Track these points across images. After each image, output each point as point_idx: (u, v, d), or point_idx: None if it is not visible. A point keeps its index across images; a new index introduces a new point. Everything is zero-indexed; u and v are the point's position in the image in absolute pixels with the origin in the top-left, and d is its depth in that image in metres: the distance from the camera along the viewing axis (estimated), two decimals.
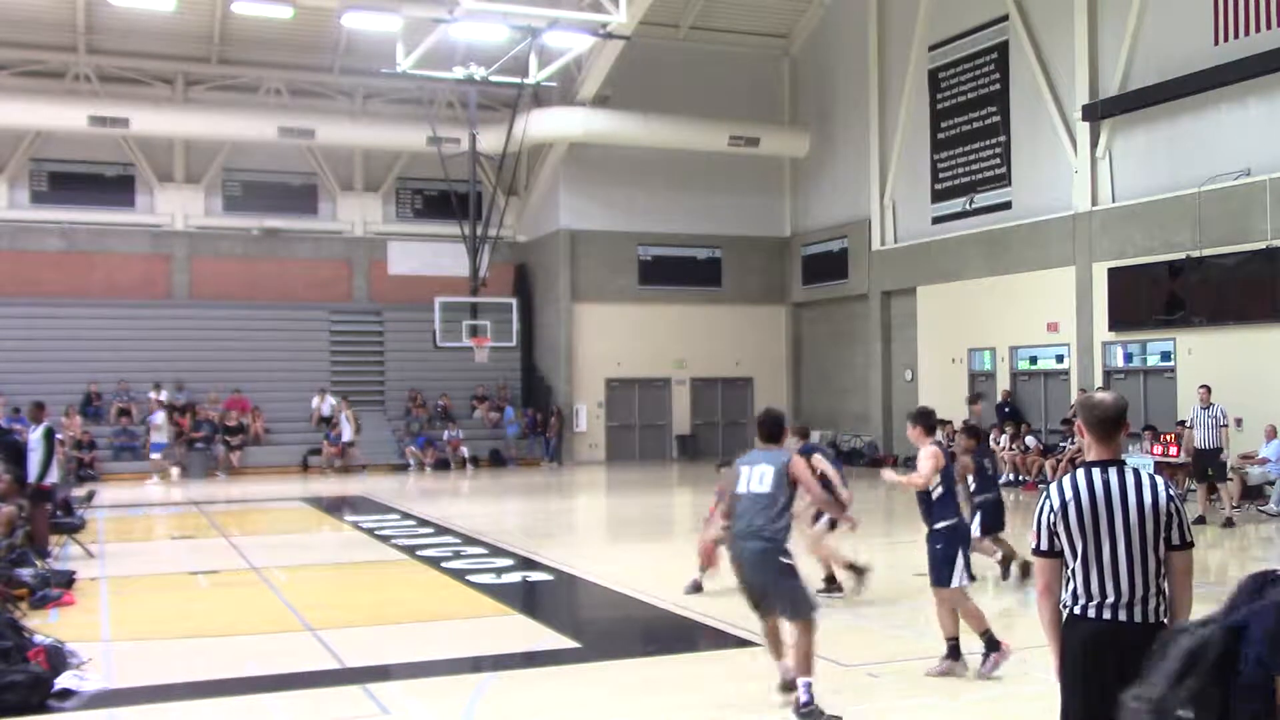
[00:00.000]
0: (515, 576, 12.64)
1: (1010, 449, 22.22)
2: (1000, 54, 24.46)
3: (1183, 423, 19.24)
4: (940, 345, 26.12)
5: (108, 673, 8.23)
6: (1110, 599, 4.26)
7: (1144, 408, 20.84)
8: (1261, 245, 18.61)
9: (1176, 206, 20.21)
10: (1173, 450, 18.87)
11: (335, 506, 20.81)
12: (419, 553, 14.31)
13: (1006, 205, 24.33)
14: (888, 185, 27.86)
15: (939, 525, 8.17)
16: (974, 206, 25.17)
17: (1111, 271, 21.41)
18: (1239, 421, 18.93)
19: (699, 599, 10.77)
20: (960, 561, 8.05)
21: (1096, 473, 4.36)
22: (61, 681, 7.70)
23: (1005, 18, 24.18)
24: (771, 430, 7.45)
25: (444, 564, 13.39)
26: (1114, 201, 21.75)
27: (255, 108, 29.38)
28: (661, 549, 15.48)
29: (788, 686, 7.14)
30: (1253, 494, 17.67)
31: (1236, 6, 19.41)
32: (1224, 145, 19.67)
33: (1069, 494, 4.35)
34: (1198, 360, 19.89)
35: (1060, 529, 4.35)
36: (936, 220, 26.30)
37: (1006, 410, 23.33)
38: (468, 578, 12.39)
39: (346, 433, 27.15)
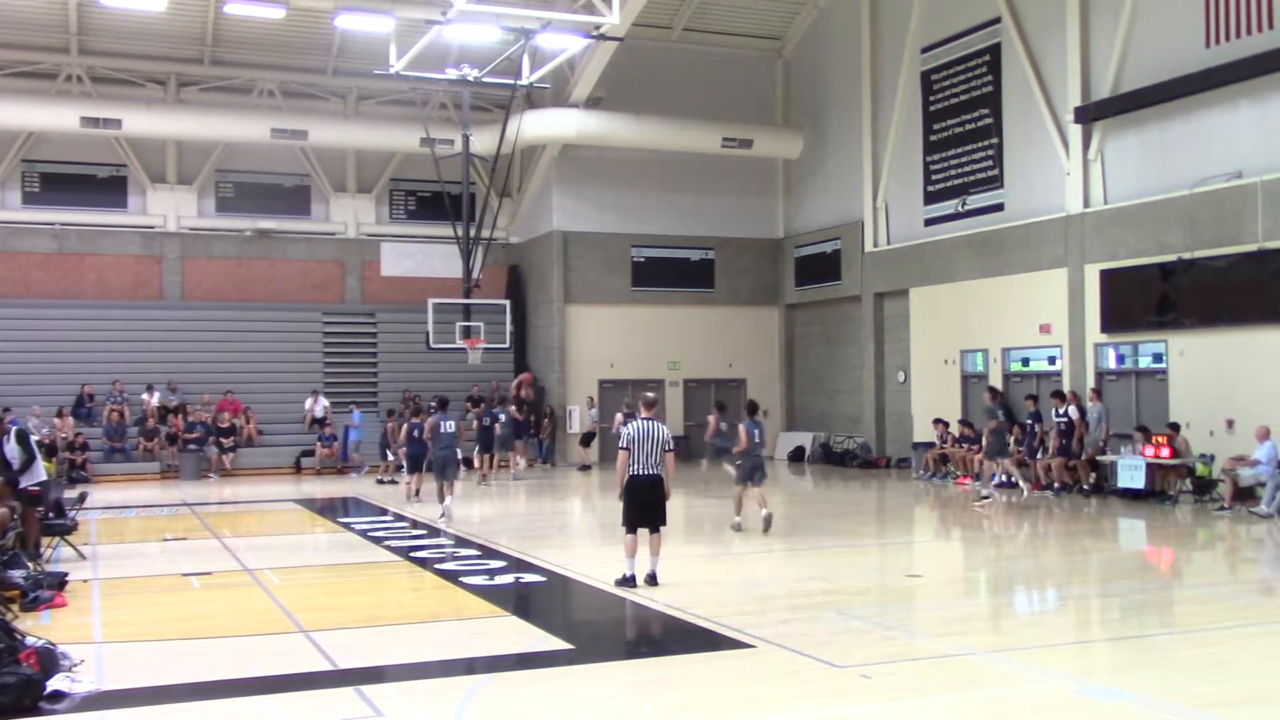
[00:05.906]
0: (508, 578, 12.65)
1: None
2: (993, 56, 24.52)
3: (1175, 425, 19.32)
4: (933, 347, 26.17)
5: (100, 675, 8.22)
6: None
7: (1135, 409, 20.90)
8: (1253, 247, 18.65)
9: (1168, 209, 20.26)
10: (1165, 452, 18.92)
11: (328, 508, 20.80)
12: (412, 554, 14.33)
13: (999, 207, 24.38)
14: (880, 187, 27.91)
15: None
16: (966, 208, 25.23)
17: (1104, 273, 21.46)
18: (1230, 423, 19.01)
19: (697, 599, 10.78)
20: None
21: None
22: (53, 683, 7.68)
23: (998, 20, 24.24)
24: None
25: (437, 566, 13.40)
26: (1106, 203, 21.80)
27: (248, 109, 29.40)
28: None
29: None
30: (1244, 495, 17.71)
31: (1228, 9, 19.47)
32: (1215, 148, 19.73)
33: None
34: (1189, 362, 19.95)
35: None
36: (929, 222, 26.35)
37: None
38: (461, 579, 12.39)
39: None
